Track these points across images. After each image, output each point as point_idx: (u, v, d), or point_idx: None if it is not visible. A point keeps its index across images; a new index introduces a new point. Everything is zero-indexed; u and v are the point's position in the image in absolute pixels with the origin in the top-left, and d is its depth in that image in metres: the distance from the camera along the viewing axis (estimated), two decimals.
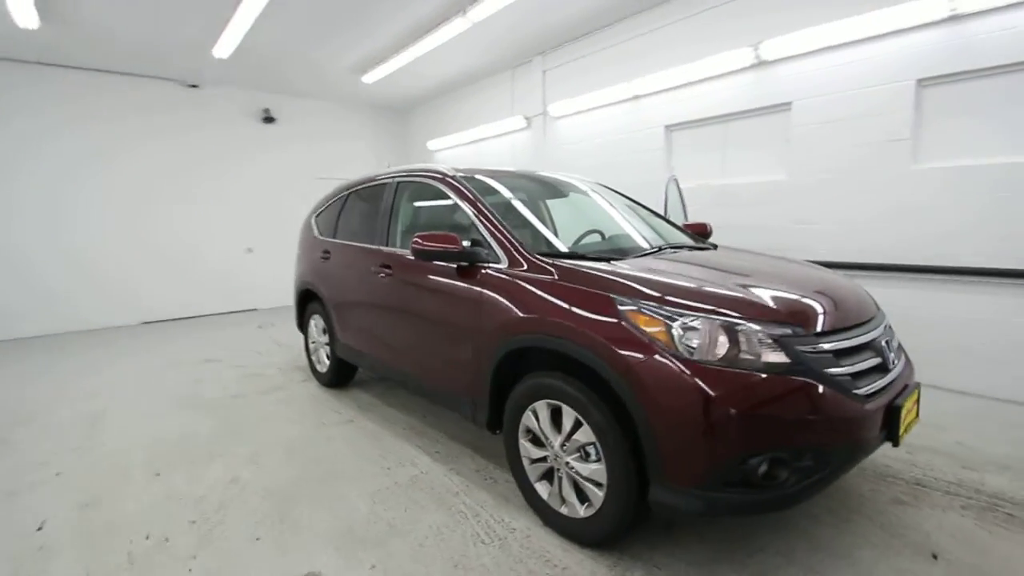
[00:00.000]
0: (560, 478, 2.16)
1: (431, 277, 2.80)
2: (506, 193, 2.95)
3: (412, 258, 2.94)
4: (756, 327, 1.77)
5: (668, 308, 1.85)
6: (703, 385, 1.69)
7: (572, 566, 2.02)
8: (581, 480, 2.06)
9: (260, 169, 8.20)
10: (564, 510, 2.17)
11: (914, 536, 2.15)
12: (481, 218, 2.65)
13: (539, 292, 2.22)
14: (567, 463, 2.11)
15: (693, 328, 1.78)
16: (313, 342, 4.39)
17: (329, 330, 3.98)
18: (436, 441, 3.22)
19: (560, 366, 2.17)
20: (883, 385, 1.93)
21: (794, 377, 1.72)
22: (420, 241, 2.61)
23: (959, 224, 3.74)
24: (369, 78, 7.27)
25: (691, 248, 2.82)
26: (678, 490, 1.75)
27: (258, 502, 2.55)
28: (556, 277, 2.21)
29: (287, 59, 6.70)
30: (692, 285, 1.98)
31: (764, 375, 1.70)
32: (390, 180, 3.53)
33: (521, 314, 2.24)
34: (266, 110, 8.09)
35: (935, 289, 3.89)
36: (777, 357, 1.73)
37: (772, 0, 4.50)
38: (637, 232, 2.97)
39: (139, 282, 7.33)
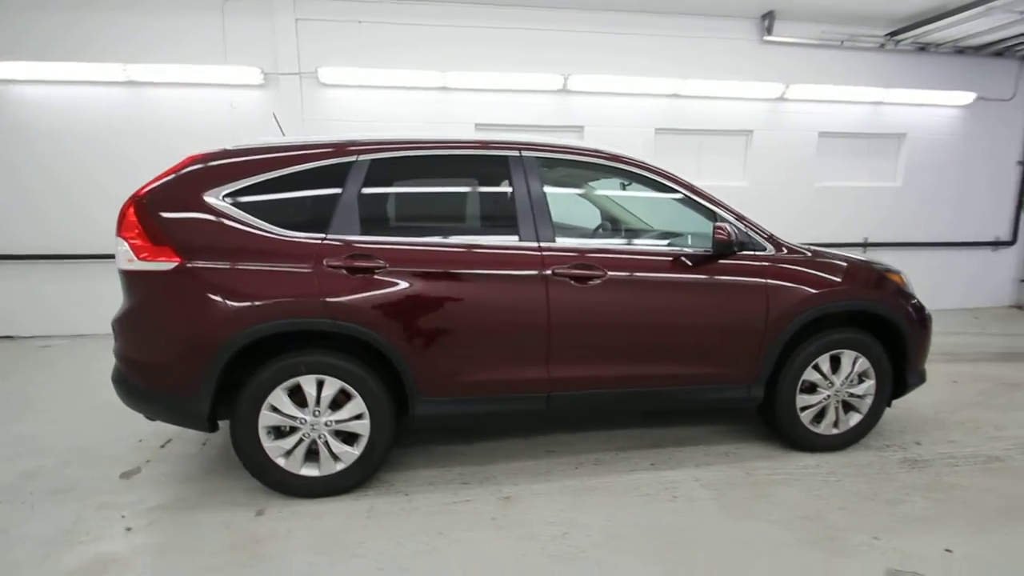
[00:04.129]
0: (837, 408, 2.88)
1: (695, 275, 2.68)
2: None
3: (651, 257, 2.74)
4: None
5: (889, 267, 2.99)
6: (927, 308, 2.97)
7: (857, 465, 2.82)
8: (854, 400, 2.88)
9: None
10: (833, 431, 2.90)
11: None
12: (725, 210, 2.79)
13: (814, 271, 2.79)
14: (848, 393, 2.86)
15: (904, 277, 3.01)
16: (285, 425, 2.38)
17: (395, 390, 2.45)
18: (637, 458, 2.88)
19: (832, 325, 2.86)
20: None
21: None
22: (727, 231, 2.53)
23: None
24: None
25: None
26: (919, 374, 2.97)
27: None
28: (812, 257, 2.85)
29: None
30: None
31: None
32: (510, 153, 2.67)
33: (813, 291, 2.74)
34: None
35: None
36: None
37: (576, 41, 5.70)
38: None
39: None
